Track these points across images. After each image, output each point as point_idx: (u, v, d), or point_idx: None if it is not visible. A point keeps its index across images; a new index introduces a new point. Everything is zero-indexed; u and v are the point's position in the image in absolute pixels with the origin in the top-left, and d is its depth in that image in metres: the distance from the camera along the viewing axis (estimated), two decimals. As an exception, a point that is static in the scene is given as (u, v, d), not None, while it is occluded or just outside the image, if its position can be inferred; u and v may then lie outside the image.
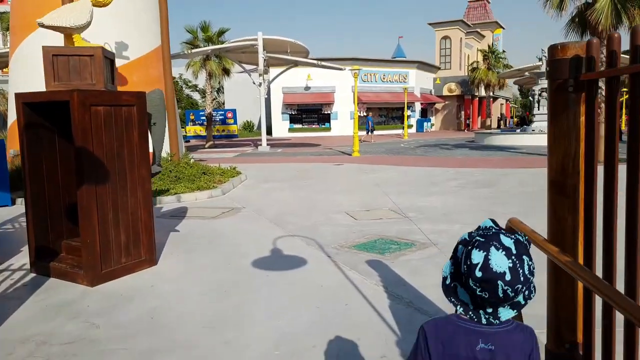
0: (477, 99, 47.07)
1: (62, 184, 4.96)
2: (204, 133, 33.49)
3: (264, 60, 23.67)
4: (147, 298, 3.98)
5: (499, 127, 48.77)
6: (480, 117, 48.53)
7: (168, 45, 11.67)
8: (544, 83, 23.04)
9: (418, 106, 43.60)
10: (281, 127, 39.17)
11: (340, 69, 25.34)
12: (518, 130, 25.45)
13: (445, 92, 45.82)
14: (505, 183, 10.04)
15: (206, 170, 11.18)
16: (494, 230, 1.16)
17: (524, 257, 1.11)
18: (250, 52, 24.63)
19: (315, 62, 24.67)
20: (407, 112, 34.71)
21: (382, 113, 42.60)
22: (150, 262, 4.85)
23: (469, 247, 1.14)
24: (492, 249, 1.10)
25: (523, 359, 1.19)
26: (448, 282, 1.21)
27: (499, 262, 1.08)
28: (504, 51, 43.86)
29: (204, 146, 27.62)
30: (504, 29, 53.60)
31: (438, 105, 46.93)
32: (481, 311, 1.16)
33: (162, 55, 11.63)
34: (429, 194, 8.92)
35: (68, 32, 4.31)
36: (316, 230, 6.23)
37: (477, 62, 42.45)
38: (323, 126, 39.94)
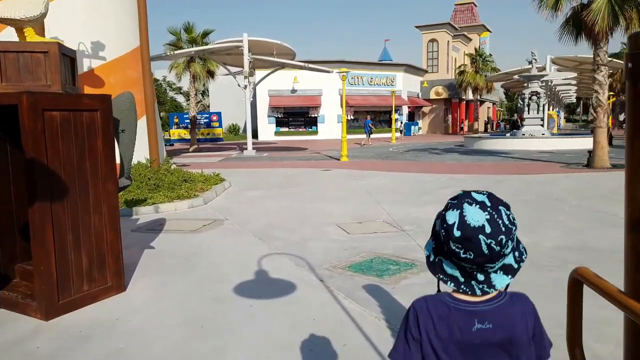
0: (465, 102, 47.00)
1: (14, 199, 4.33)
2: (188, 136, 32.70)
3: (250, 62, 23.09)
4: (110, 336, 3.39)
5: (486, 130, 48.78)
6: (467, 121, 48.46)
7: (147, 46, 11.02)
8: (534, 86, 22.87)
9: (405, 110, 43.34)
10: (267, 131, 38.56)
11: (328, 72, 24.85)
12: (508, 135, 25.24)
13: (432, 96, 45.65)
14: (500, 191, 9.60)
15: (188, 177, 10.56)
16: (465, 192, 1.12)
17: (500, 207, 1.06)
18: (235, 54, 24.02)
19: (302, 64, 24.15)
20: (395, 116, 34.34)
21: (369, 116, 42.19)
22: (118, 289, 4.25)
23: (443, 212, 1.10)
24: (465, 205, 1.06)
25: (526, 332, 1.12)
26: (432, 258, 1.15)
27: (475, 216, 1.04)
28: (490, 55, 43.81)
29: (188, 150, 26.89)
30: (490, 32, 53.75)
31: (425, 109, 46.75)
32: (473, 282, 1.08)
33: (141, 56, 10.98)
34: (423, 204, 8.44)
35: (19, 25, 3.71)
36: (306, 246, 5.68)
37: (465, 65, 42.35)
38: (310, 130, 39.41)
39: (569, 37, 13.58)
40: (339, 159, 18.50)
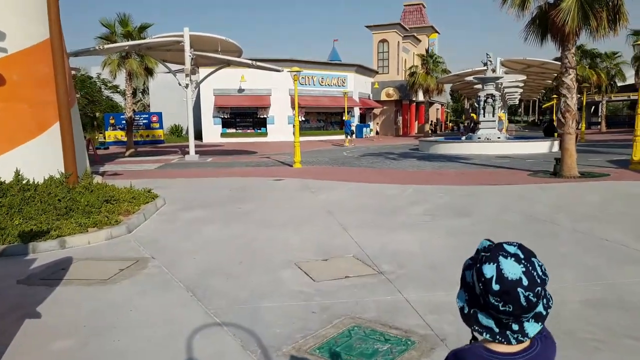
0: (415, 104, 46.79)
1: None
2: (125, 138, 30.08)
3: (192, 59, 21.15)
4: None
5: (435, 132, 48.90)
6: (417, 122, 48.33)
7: (59, 37, 9.07)
8: (489, 89, 22.37)
9: (357, 111, 42.46)
10: (213, 132, 36.40)
11: (279, 70, 23.30)
12: (463, 138, 24.69)
13: (383, 97, 45.05)
14: (479, 208, 8.47)
15: (111, 195, 8.72)
16: (495, 244, 1.12)
17: (533, 259, 1.07)
18: (176, 50, 21.96)
19: (250, 62, 22.45)
20: (347, 117, 33.27)
21: (320, 118, 40.99)
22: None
23: (478, 265, 1.09)
24: (501, 258, 1.06)
25: None
26: (466, 311, 1.13)
27: (512, 269, 1.04)
28: (440, 56, 43.76)
29: (124, 154, 24.47)
30: (439, 33, 54.03)
31: (376, 110, 46.10)
32: (508, 332, 1.09)
33: (52, 49, 8.99)
34: (396, 227, 7.12)
35: None
36: (257, 308, 4.16)
37: (416, 66, 42.00)
38: (259, 131, 37.63)
39: (534, 38, 12.81)
40: (291, 166, 17.02)
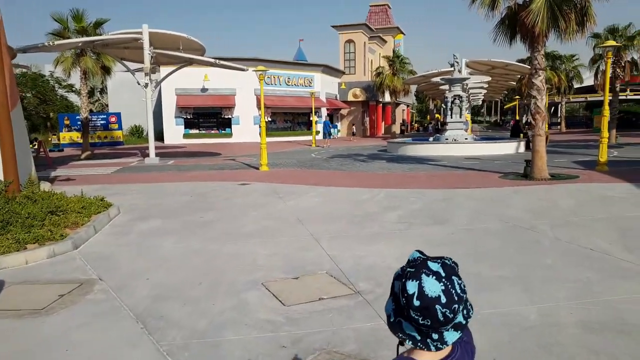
0: (382, 104, 46.80)
1: None
2: (81, 140, 28.60)
3: (151, 57, 20.18)
4: None
5: (402, 132, 49.10)
6: (384, 123, 48.38)
7: (-3, 28, 8.17)
8: (456, 90, 22.35)
9: (324, 112, 42.06)
10: (175, 133, 35.18)
11: (243, 70, 22.56)
12: (431, 139, 24.61)
13: (350, 98, 44.82)
14: (455, 215, 8.12)
15: (59, 205, 7.88)
16: (421, 259, 1.18)
17: (453, 277, 1.14)
18: (134, 48, 20.92)
19: (213, 60, 21.62)
20: (314, 118, 32.80)
21: (287, 118, 40.36)
22: None
23: (403, 280, 1.15)
24: (423, 276, 1.13)
25: None
26: (392, 319, 1.21)
27: (432, 287, 1.11)
28: (407, 57, 43.87)
29: (80, 157, 23.15)
30: (404, 34, 54.31)
31: (344, 111, 45.83)
32: (428, 340, 1.16)
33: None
34: (371, 238, 6.66)
35: None
36: (218, 343, 3.58)
37: (382, 67, 41.94)
38: (223, 132, 36.63)
39: (503, 39, 12.66)
40: (258, 168, 16.37)
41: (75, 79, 28.50)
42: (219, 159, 21.58)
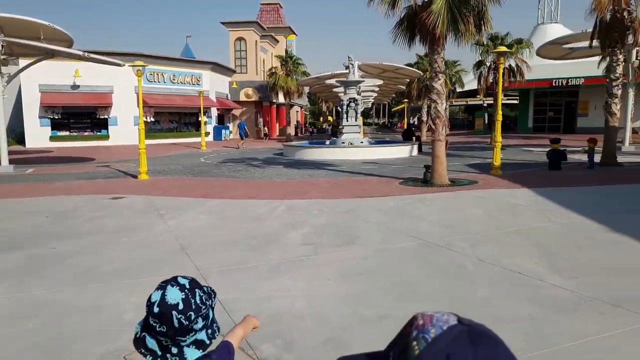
0: (276, 105, 45.74)
1: None
2: None
3: (1, 46, 16.92)
4: None
5: (296, 134, 48.58)
6: (278, 125, 47.41)
7: None
8: (352, 92, 22.03)
9: (214, 112, 39.85)
10: (39, 135, 30.65)
11: (119, 65, 19.96)
12: (328, 142, 24.07)
13: (242, 98, 43.05)
14: (364, 231, 7.25)
15: None
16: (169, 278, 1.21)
17: (196, 290, 1.18)
18: (-21, 34, 17.35)
19: (81, 53, 18.77)
20: (203, 119, 30.67)
21: (173, 118, 37.48)
22: None
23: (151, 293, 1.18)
24: (169, 286, 1.16)
25: None
26: (138, 334, 1.20)
27: (173, 295, 1.14)
28: (300, 58, 43.31)
29: None
30: (296, 35, 53.88)
31: (236, 112, 43.91)
32: (168, 354, 1.16)
33: None
34: (273, 269, 5.48)
35: None
36: None
37: (275, 67, 40.87)
38: (99, 134, 32.80)
39: (403, 40, 12.26)
40: (136, 177, 14.30)
41: None
42: (91, 166, 18.81)
